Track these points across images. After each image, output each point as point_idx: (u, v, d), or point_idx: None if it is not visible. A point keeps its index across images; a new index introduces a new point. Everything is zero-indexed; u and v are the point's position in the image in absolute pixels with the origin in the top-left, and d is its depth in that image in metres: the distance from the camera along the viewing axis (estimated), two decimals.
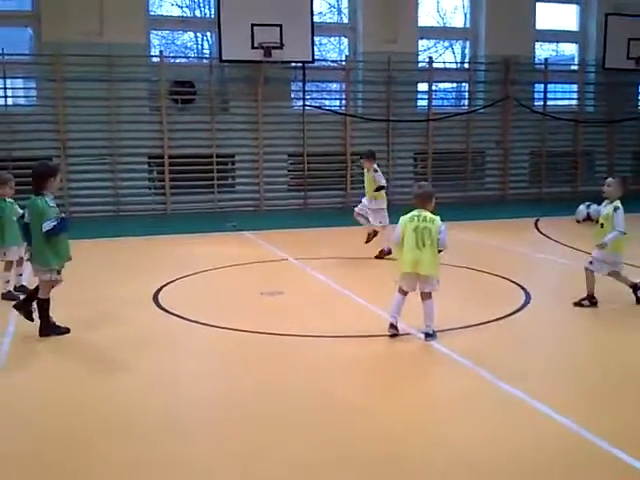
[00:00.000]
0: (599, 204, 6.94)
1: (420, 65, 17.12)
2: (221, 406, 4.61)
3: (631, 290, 6.94)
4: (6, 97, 14.53)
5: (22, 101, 16.04)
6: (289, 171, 16.49)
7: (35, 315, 6.11)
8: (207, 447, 3.96)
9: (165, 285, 7.99)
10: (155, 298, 7.42)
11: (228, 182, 16.28)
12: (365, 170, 10.06)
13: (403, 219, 5.85)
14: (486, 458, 3.79)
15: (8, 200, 7.36)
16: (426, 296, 5.80)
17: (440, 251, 5.82)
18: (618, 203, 6.74)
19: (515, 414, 4.35)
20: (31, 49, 15.35)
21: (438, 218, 5.84)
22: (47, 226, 5.76)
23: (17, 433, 4.18)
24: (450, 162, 17.40)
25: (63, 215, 6.05)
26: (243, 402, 4.64)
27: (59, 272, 6.02)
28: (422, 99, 17.34)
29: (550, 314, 6.99)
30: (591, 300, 6.87)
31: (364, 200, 9.97)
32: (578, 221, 7.11)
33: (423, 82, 17.14)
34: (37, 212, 5.85)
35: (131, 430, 4.18)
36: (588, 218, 7.01)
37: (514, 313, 6.73)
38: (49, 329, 6.00)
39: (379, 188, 9.78)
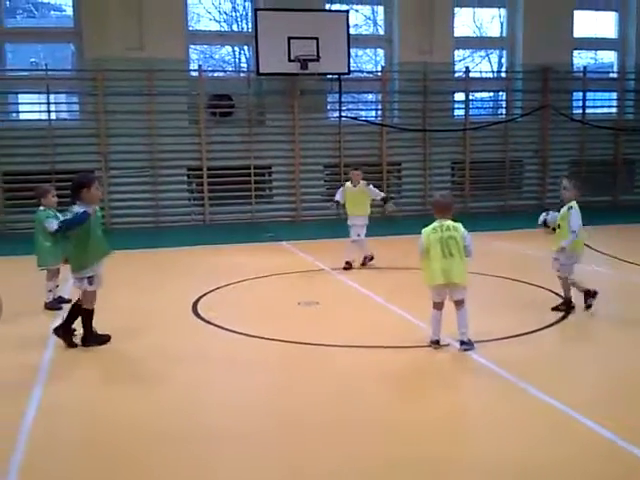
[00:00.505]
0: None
1: (456, 75, 17.08)
2: (258, 415, 4.64)
3: (583, 295, 6.93)
4: (49, 112, 14.93)
5: (65, 115, 16.46)
6: (325, 181, 16.57)
7: (76, 340, 6.11)
8: (244, 457, 4.00)
9: (204, 295, 8.09)
10: (194, 308, 7.51)
11: (265, 193, 16.43)
12: (351, 184, 9.74)
13: (425, 231, 5.80)
14: (530, 469, 3.76)
15: (49, 210, 7.44)
16: (460, 304, 5.78)
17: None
18: (573, 203, 6.98)
19: (555, 425, 4.30)
20: (73, 64, 15.77)
21: (461, 225, 5.82)
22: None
23: (56, 442, 4.28)
24: (488, 172, 17.27)
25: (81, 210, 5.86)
26: (280, 412, 4.67)
27: (95, 278, 6.03)
28: (459, 108, 17.29)
29: (591, 325, 6.88)
30: (568, 305, 6.88)
31: (356, 221, 9.64)
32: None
33: (460, 92, 17.09)
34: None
35: (170, 440, 4.22)
36: (545, 225, 7.12)
37: (554, 324, 6.65)
38: (92, 339, 6.08)
39: (386, 199, 9.91)
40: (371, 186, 9.83)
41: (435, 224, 5.81)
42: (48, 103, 14.86)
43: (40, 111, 15.31)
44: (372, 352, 5.86)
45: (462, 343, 5.78)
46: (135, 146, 15.15)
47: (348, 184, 9.88)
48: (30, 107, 15.99)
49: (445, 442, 4.15)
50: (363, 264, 9.75)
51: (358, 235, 9.62)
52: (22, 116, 16.13)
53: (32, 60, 16.53)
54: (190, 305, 7.59)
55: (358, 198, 9.71)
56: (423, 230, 5.85)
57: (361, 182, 9.77)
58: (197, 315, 7.25)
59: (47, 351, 6.00)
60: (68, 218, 5.89)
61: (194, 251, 11.86)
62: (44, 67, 14.81)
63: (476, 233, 12.59)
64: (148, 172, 15.33)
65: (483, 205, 16.88)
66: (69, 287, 7.53)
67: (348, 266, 9.56)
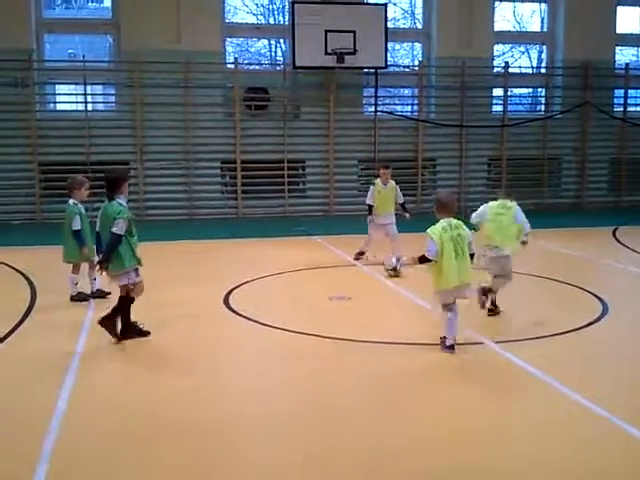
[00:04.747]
0: None
1: (495, 70, 16.79)
2: (281, 407, 4.60)
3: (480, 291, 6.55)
4: (86, 103, 15.05)
5: (101, 107, 16.59)
6: (359, 176, 16.44)
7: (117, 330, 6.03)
8: (270, 450, 3.94)
9: (236, 287, 8.06)
10: (226, 300, 7.50)
11: (299, 187, 16.37)
12: (380, 182, 9.62)
13: (436, 231, 5.50)
14: (565, 473, 3.62)
15: (79, 205, 7.36)
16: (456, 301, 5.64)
17: (471, 255, 5.61)
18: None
19: (594, 429, 4.15)
20: (110, 56, 15.88)
21: (462, 223, 5.68)
22: (118, 230, 5.77)
23: (87, 427, 4.27)
24: (525, 168, 16.95)
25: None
26: (304, 403, 4.62)
27: (137, 274, 6.01)
28: (497, 104, 16.99)
29: (629, 326, 6.66)
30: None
31: (386, 220, 9.49)
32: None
33: (498, 87, 16.79)
34: (108, 217, 5.87)
35: (196, 431, 4.19)
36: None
37: (590, 324, 6.46)
38: (130, 331, 6.01)
39: (403, 205, 9.73)
40: (397, 186, 9.78)
41: (443, 223, 5.58)
42: (85, 94, 14.98)
43: (77, 102, 15.45)
44: (402, 349, 5.75)
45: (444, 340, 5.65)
46: (170, 138, 15.19)
47: (378, 182, 9.74)
48: (67, 98, 16.15)
49: (478, 445, 4.02)
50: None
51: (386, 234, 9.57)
52: (59, 107, 16.31)
53: (70, 51, 16.72)
54: (222, 297, 7.58)
55: (389, 197, 9.64)
56: (431, 231, 5.54)
57: (390, 181, 9.68)
58: (229, 307, 7.23)
59: (80, 339, 6.03)
60: (110, 245, 5.79)
61: (227, 244, 11.86)
62: (82, 58, 14.94)
63: None
64: (182, 165, 15.38)
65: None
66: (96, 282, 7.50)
67: (360, 256, 9.72)
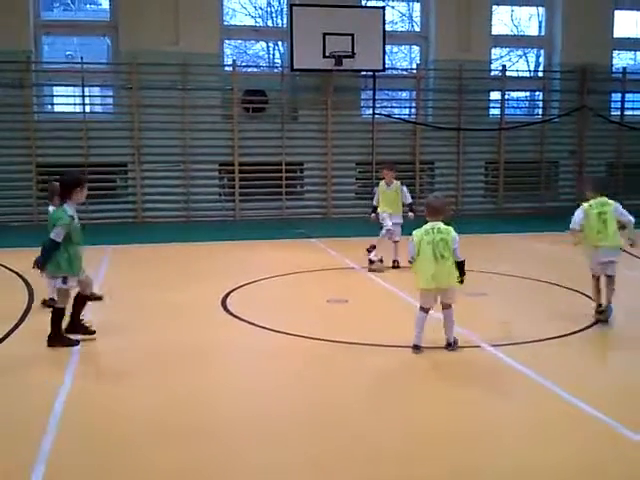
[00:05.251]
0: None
1: (493, 73, 16.82)
2: (276, 409, 4.59)
3: None
4: (84, 104, 15.04)
5: (99, 108, 16.58)
6: (357, 179, 16.44)
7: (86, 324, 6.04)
8: (269, 453, 3.93)
9: (233, 290, 8.05)
10: (223, 302, 7.49)
11: (297, 190, 16.37)
12: (384, 183, 9.62)
13: (418, 233, 5.66)
14: (563, 475, 3.62)
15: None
16: (448, 306, 5.68)
17: (461, 263, 5.60)
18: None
19: (593, 433, 4.16)
20: (108, 58, 15.87)
21: (452, 229, 5.67)
22: (55, 236, 5.65)
23: (83, 435, 4.26)
24: (522, 172, 16.97)
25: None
26: (299, 406, 4.62)
27: (73, 280, 5.87)
28: (494, 108, 17.02)
29: (628, 330, 6.66)
30: None
31: (393, 219, 9.45)
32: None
33: (496, 90, 16.83)
34: (50, 222, 5.82)
35: (193, 434, 4.18)
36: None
37: (589, 327, 6.46)
38: (58, 340, 5.86)
39: (411, 205, 9.59)
40: (404, 187, 9.68)
41: (427, 226, 5.67)
42: (83, 96, 14.98)
43: (75, 104, 15.44)
44: (399, 352, 5.74)
45: (449, 345, 5.69)
46: (168, 140, 15.19)
47: (382, 183, 9.73)
48: (65, 100, 16.12)
49: (476, 448, 4.02)
50: (395, 267, 9.46)
51: (390, 233, 9.42)
52: (57, 108, 16.29)
53: (68, 53, 16.71)
54: (219, 299, 7.57)
55: (392, 198, 9.58)
56: (414, 232, 5.71)
57: (395, 181, 9.63)
58: (226, 309, 7.22)
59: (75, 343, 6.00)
60: (45, 250, 5.67)
61: (224, 246, 11.84)
62: (80, 60, 14.93)
63: (510, 234, 12.54)
64: (180, 167, 15.37)
65: (517, 206, 16.60)
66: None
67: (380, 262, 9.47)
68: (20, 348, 5.90)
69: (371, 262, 9.27)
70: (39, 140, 14.55)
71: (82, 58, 14.94)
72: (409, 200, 9.69)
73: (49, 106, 16.22)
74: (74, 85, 15.21)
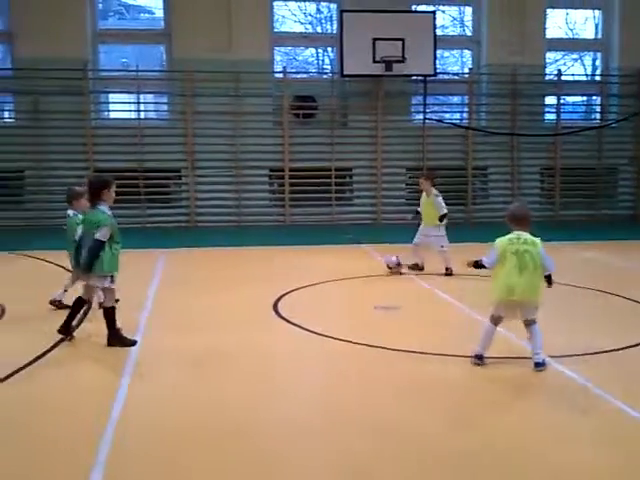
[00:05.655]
0: None
1: (548, 78, 16.49)
2: (318, 413, 4.55)
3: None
4: (139, 111, 15.33)
5: (153, 115, 16.87)
6: (407, 185, 16.30)
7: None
8: (314, 459, 3.88)
9: (285, 294, 8.03)
10: (275, 306, 7.48)
11: (346, 195, 16.32)
12: (424, 193, 9.48)
13: (501, 242, 5.36)
14: None
15: (79, 215, 6.96)
16: (530, 323, 5.37)
17: (548, 276, 5.37)
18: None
19: None
20: (162, 65, 16.14)
21: (538, 240, 5.40)
22: (101, 237, 5.75)
23: (140, 440, 4.27)
24: (579, 178, 16.57)
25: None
26: (341, 411, 4.55)
27: (112, 280, 5.97)
28: (550, 112, 16.67)
29: None
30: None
31: (428, 232, 9.33)
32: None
33: (551, 95, 16.49)
34: (91, 224, 5.88)
35: (237, 433, 4.16)
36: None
37: None
38: (117, 339, 5.95)
39: (443, 217, 9.27)
40: (439, 198, 9.35)
41: (512, 235, 5.38)
42: (138, 103, 15.26)
43: (130, 110, 15.74)
44: (451, 360, 5.60)
45: (537, 365, 5.33)
46: (220, 146, 15.34)
47: (423, 193, 9.59)
48: (121, 106, 16.46)
49: (543, 464, 3.88)
50: (447, 274, 9.30)
51: (442, 247, 9.31)
52: (112, 115, 16.63)
53: (123, 60, 17.06)
54: (271, 303, 7.56)
55: (428, 208, 9.40)
56: (497, 240, 5.43)
57: (433, 191, 9.39)
58: (277, 313, 7.21)
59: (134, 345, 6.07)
60: (92, 251, 5.79)
61: (275, 251, 11.86)
62: (135, 68, 15.22)
63: (566, 242, 12.22)
64: (231, 172, 15.50)
65: (574, 213, 16.20)
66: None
67: (416, 267, 9.57)
68: (78, 349, 5.98)
69: (390, 267, 9.38)
70: (96, 146, 14.86)
71: (137, 66, 15.23)
72: (443, 211, 9.31)
73: (105, 113, 16.57)
74: (129, 92, 15.51)
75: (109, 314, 5.95)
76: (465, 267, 5.68)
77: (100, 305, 6.36)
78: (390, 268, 9.39)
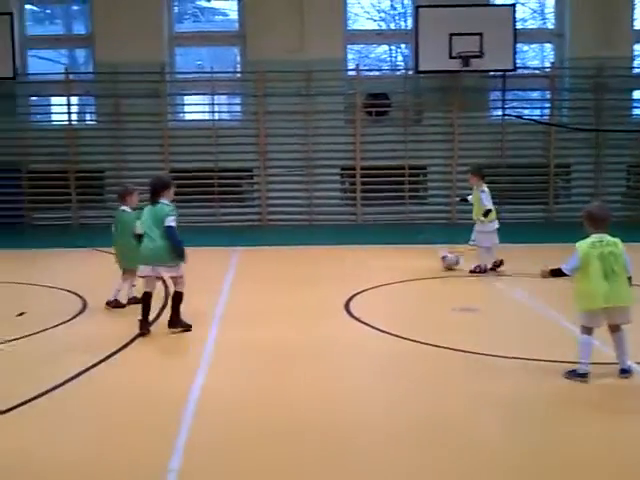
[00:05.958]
0: None
1: (636, 71, 15.67)
2: (400, 418, 4.39)
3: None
4: (213, 112, 15.49)
5: (226, 116, 17.03)
6: (485, 183, 15.76)
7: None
8: (393, 465, 3.67)
9: (357, 294, 7.88)
10: (347, 306, 7.34)
11: (420, 194, 15.99)
12: (474, 187, 9.25)
13: (583, 246, 4.97)
14: None
15: (133, 212, 7.17)
16: (616, 328, 5.00)
17: (628, 278, 4.98)
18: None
19: None
20: (236, 67, 16.26)
21: (619, 240, 5.03)
22: (173, 223, 6.07)
23: (217, 430, 4.21)
24: None
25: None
26: (423, 417, 4.38)
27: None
28: (638, 107, 15.83)
29: None
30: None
31: (476, 227, 9.19)
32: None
33: (639, 89, 15.65)
34: (156, 217, 6.15)
35: (306, 432, 4.07)
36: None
37: None
38: (178, 322, 6.27)
39: (486, 213, 8.95)
40: (484, 194, 9.07)
41: (593, 238, 5.01)
42: (213, 104, 15.42)
43: (204, 111, 15.93)
44: (534, 367, 5.28)
45: (623, 371, 5.00)
46: (292, 145, 15.32)
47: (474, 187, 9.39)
48: (195, 108, 16.68)
49: None
50: (492, 269, 9.18)
51: (473, 241, 9.22)
52: (187, 116, 16.89)
53: (198, 62, 17.31)
54: (343, 302, 7.44)
55: (475, 204, 9.22)
56: (578, 244, 5.03)
57: (482, 186, 9.15)
58: (349, 313, 7.08)
59: (211, 333, 6.17)
60: (174, 238, 6.12)
61: (346, 250, 11.70)
62: (209, 70, 15.39)
63: None
64: (303, 171, 15.45)
65: None
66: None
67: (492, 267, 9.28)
68: (152, 342, 6.04)
69: (444, 257, 9.48)
70: (172, 147, 15.11)
71: (212, 67, 15.39)
72: (485, 207, 9.05)
73: (181, 114, 16.84)
74: (204, 94, 15.70)
75: (180, 299, 6.24)
76: (540, 275, 5.28)
77: (142, 296, 6.42)
78: (448, 265, 9.37)
